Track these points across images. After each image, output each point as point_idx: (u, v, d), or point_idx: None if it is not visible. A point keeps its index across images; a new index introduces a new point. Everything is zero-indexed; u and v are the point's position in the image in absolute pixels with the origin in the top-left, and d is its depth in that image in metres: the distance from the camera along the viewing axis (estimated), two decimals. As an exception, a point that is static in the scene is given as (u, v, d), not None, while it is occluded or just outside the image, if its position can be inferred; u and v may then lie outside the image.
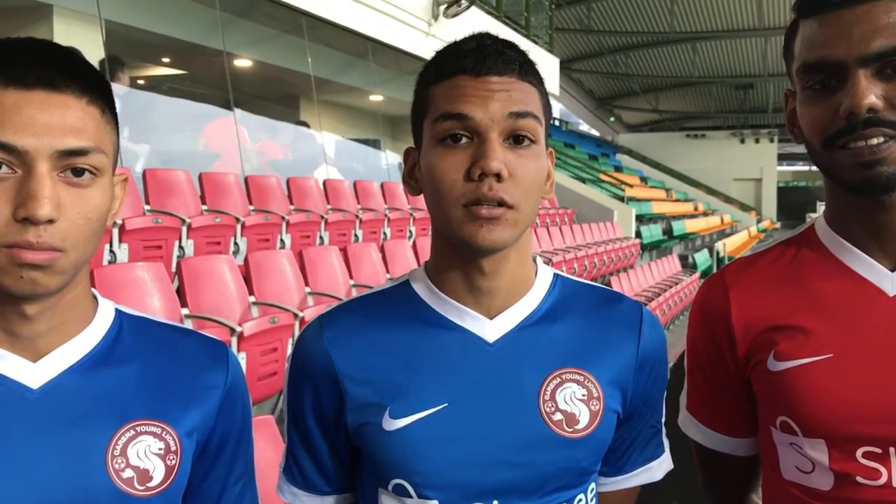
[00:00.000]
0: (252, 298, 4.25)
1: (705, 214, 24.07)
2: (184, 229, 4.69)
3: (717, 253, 14.71)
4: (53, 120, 0.80)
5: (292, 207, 6.36)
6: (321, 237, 6.09)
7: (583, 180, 15.82)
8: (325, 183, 7.22)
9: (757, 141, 30.15)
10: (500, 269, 0.99)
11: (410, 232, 7.51)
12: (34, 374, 0.87)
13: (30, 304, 0.85)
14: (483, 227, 0.92)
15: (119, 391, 0.91)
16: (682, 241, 18.07)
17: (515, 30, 13.23)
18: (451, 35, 1.07)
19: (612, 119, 33.78)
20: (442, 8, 10.04)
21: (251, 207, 5.84)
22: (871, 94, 0.91)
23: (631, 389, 1.04)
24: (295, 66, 8.89)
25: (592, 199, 14.00)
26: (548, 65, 14.77)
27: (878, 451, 0.95)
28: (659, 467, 1.14)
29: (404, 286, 1.07)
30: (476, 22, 11.23)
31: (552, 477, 0.98)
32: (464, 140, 0.94)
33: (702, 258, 15.55)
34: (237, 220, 5.13)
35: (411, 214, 7.68)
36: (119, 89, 5.95)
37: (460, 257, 1.00)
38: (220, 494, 1.01)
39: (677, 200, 23.69)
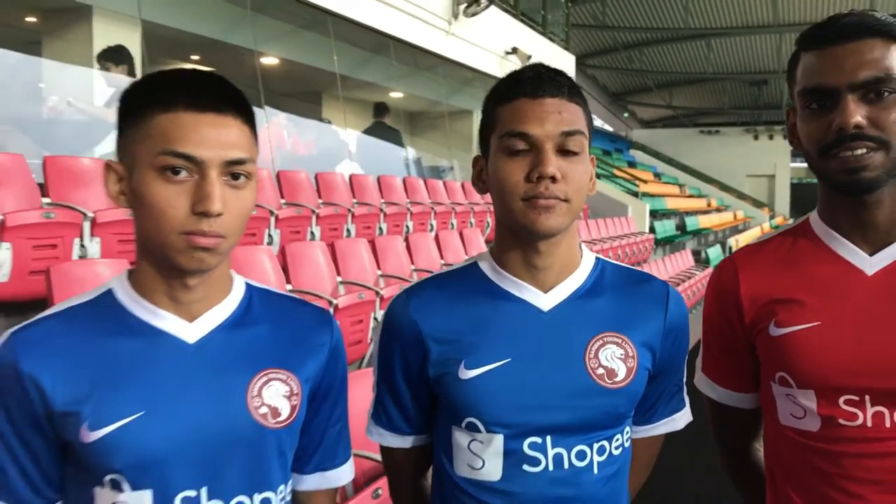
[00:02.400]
0: (289, 287, 4.51)
1: (718, 210, 24.20)
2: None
3: (730, 248, 14.89)
4: (221, 136, 1.04)
5: (320, 201, 6.61)
6: (348, 229, 6.34)
7: (597, 175, 15.99)
8: (350, 178, 7.48)
9: (770, 137, 30.22)
10: (552, 250, 1.24)
11: (432, 225, 7.75)
12: (190, 331, 1.12)
13: (193, 277, 1.09)
14: (542, 215, 1.17)
15: (254, 346, 1.16)
16: (695, 236, 18.24)
17: (532, 27, 13.41)
18: (471, 33, 1.32)
19: (626, 115, 33.88)
20: (462, 7, 10.26)
21: (283, 201, 6.09)
22: (858, 115, 1.15)
23: (659, 352, 1.29)
24: (320, 63, 9.13)
25: (606, 194, 14.18)
26: (564, 62, 14.95)
27: (856, 398, 1.19)
28: (681, 418, 1.40)
29: (473, 266, 1.32)
30: (495, 20, 11.44)
31: (595, 419, 1.23)
32: (523, 151, 1.19)
33: (714, 253, 15.72)
34: (271, 213, 5.39)
35: (432, 209, 7.93)
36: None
37: (520, 241, 1.25)
38: (323, 432, 1.26)
39: (691, 196, 23.84)
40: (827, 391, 1.21)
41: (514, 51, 12.25)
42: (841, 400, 1.20)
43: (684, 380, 1.38)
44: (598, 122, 31.78)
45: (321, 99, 10.97)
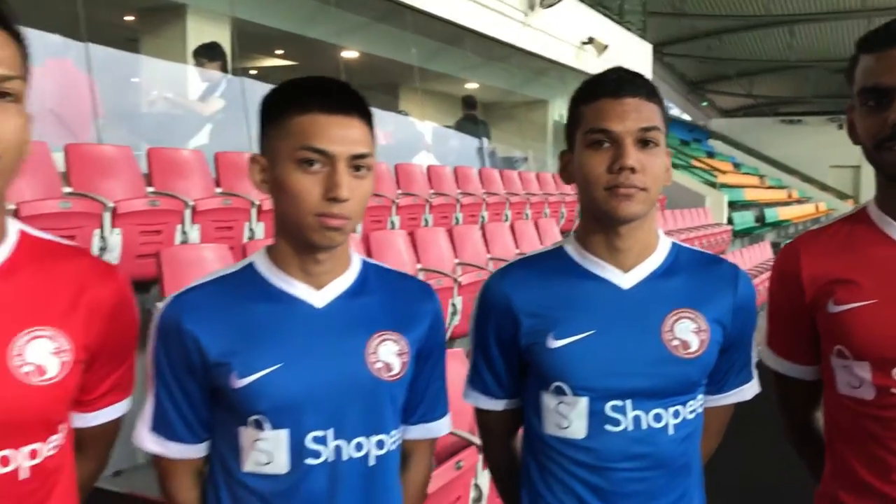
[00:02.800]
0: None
1: (799, 202, 23.57)
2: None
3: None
4: (348, 135, 1.23)
5: (399, 191, 6.83)
6: (426, 219, 6.55)
7: (674, 166, 15.80)
8: (428, 168, 7.68)
9: (856, 126, 29.01)
10: (632, 234, 1.39)
11: (506, 216, 7.90)
12: (318, 298, 1.31)
13: (322, 252, 1.29)
14: (622, 202, 1.32)
15: (370, 311, 1.34)
16: (774, 228, 17.85)
17: (608, 17, 13.37)
18: (547, 24, 1.47)
19: (704, 104, 33.22)
20: (538, -2, 10.35)
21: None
22: None
23: (729, 327, 1.42)
24: (398, 55, 9.37)
25: (684, 184, 14.02)
26: (640, 51, 14.81)
27: None
28: (749, 389, 1.53)
29: (559, 249, 1.48)
30: (571, 10, 11.47)
31: (670, 386, 1.38)
32: (606, 145, 1.34)
33: (795, 246, 15.32)
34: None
35: (507, 199, 8.09)
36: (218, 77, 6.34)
37: (603, 226, 1.40)
38: (426, 388, 1.44)
39: (771, 187, 23.30)
40: (881, 363, 1.33)
41: (591, 41, 12.24)
42: (894, 371, 1.32)
43: (753, 353, 1.52)
44: (675, 112, 31.23)
45: (398, 91, 11.23)
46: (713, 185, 15.62)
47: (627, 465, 1.37)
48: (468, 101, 10.58)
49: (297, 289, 1.31)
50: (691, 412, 1.41)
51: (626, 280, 1.41)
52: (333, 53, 8.13)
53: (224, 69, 6.14)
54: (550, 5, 10.55)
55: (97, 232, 3.88)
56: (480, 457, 3.03)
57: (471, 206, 7.30)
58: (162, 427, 1.30)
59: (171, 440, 1.31)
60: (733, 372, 1.50)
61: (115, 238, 3.97)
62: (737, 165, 24.72)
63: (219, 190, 5.00)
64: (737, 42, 26.94)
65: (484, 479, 3.16)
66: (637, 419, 1.36)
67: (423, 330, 1.40)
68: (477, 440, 3.06)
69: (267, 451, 1.26)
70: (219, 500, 1.31)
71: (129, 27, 7.50)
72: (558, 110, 13.91)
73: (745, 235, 14.99)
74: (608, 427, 1.37)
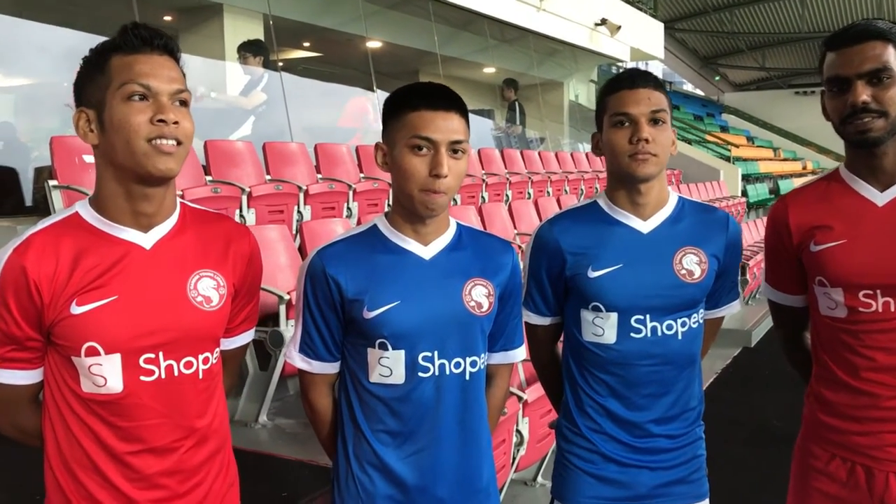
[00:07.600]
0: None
1: (814, 173, 23.68)
2: (350, 194, 5.64)
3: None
4: (448, 125, 1.61)
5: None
6: (455, 199, 6.96)
7: (688, 141, 16.10)
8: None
9: (871, 96, 28.89)
10: (649, 190, 1.82)
11: (529, 193, 8.30)
12: (426, 251, 1.71)
13: (428, 218, 1.67)
14: (640, 165, 1.75)
15: (464, 262, 1.74)
16: (790, 199, 17.97)
17: (620, -3, 13.64)
18: (560, 7, 1.89)
19: (717, 78, 33.24)
20: (552, -17, 10.67)
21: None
22: (864, 94, 1.66)
23: (722, 259, 1.87)
24: (420, 44, 9.74)
25: (698, 159, 14.33)
26: (652, 29, 15.07)
27: (871, 292, 1.71)
28: (736, 305, 2.00)
29: (594, 203, 1.91)
30: (584, -6, 11.77)
31: (678, 304, 1.81)
32: (626, 124, 1.76)
33: (809, 216, 15.55)
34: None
35: (529, 178, 8.48)
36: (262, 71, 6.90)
37: (626, 185, 1.83)
38: (506, 322, 1.83)
39: (785, 160, 23.47)
40: (850, 288, 1.74)
41: (604, 21, 12.55)
42: (860, 294, 1.73)
43: (738, 279, 1.98)
44: (688, 87, 31.31)
45: (419, 77, 11.61)
46: (728, 159, 15.89)
47: (646, 362, 1.82)
48: (512, 84, 11.18)
49: (410, 245, 1.71)
50: (694, 322, 1.85)
51: (645, 226, 1.84)
52: (360, 44, 8.51)
53: (266, 64, 6.55)
54: (563, -11, 10.88)
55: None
56: (521, 405, 3.47)
57: (496, 185, 7.70)
58: (307, 349, 1.72)
59: (314, 359, 1.73)
60: (724, 292, 1.96)
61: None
62: (751, 139, 24.87)
63: (268, 177, 5.44)
64: (748, 15, 26.96)
65: (524, 425, 3.59)
66: (654, 328, 1.81)
67: (505, 276, 1.79)
68: (518, 391, 3.50)
69: (389, 366, 1.67)
70: (350, 404, 1.73)
71: (168, 27, 7.91)
72: (573, 91, 14.25)
73: (759, 207, 15.28)
74: (632, 334, 1.81)
